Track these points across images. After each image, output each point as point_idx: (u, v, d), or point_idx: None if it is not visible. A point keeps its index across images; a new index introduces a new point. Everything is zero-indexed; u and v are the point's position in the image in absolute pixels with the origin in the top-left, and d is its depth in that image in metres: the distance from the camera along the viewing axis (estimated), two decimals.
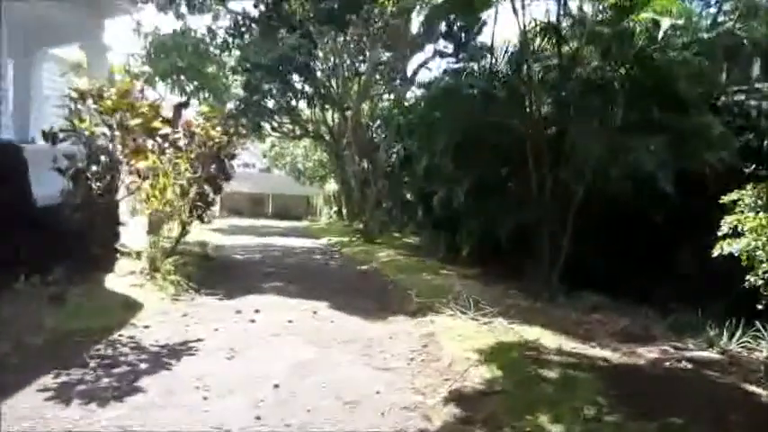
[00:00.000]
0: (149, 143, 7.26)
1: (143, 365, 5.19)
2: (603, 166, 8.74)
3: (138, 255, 9.66)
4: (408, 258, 13.79)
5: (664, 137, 8.55)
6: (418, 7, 16.54)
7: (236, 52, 21.07)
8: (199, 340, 6.12)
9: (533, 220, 9.65)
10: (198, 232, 18.73)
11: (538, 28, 10.52)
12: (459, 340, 6.45)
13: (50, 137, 6.62)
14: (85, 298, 7.18)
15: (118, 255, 9.57)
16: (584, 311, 8.18)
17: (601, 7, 10.22)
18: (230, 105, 23.12)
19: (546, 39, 10.88)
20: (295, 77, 22.59)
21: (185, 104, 15.60)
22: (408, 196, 18.41)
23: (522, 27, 10.01)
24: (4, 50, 8.47)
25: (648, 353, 6.09)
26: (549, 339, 6.51)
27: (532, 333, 6.72)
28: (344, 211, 29.54)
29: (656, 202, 8.97)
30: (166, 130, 7.13)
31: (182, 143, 9.24)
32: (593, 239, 9.61)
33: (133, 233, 10.37)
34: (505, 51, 11.49)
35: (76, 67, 10.80)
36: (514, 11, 10.35)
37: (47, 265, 7.26)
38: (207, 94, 20.84)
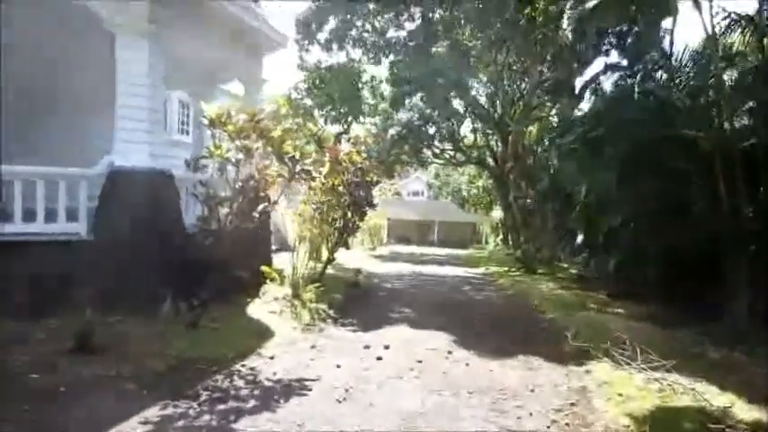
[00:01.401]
0: (279, 168, 7.18)
1: (249, 404, 4.85)
2: None
3: (283, 281, 9.75)
4: (570, 292, 12.28)
5: None
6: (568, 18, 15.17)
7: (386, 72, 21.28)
8: (316, 378, 5.69)
9: (724, 251, 7.82)
10: (358, 259, 19.08)
11: (731, 23, 8.76)
12: (619, 400, 5.20)
13: (191, 164, 6.82)
14: (221, 323, 7.25)
15: (267, 280, 9.74)
16: None
17: None
18: (392, 131, 23.40)
19: (742, 35, 9.01)
20: (453, 97, 22.09)
21: (344, 133, 16.07)
22: (574, 223, 16.69)
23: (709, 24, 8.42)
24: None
25: None
26: (744, 409, 4.96)
27: (721, 398, 5.19)
28: (509, 239, 28.17)
29: None
30: (297, 154, 6.98)
31: (323, 169, 9.22)
32: None
33: (297, 258, 10.46)
34: (685, 53, 9.71)
35: (240, 100, 11.57)
36: (697, 5, 8.75)
37: (193, 288, 7.49)
38: (361, 122, 21.28)
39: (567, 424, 4.77)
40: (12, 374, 5.13)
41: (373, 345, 7.16)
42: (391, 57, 20.79)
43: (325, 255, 11.53)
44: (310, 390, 5.33)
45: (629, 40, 19.95)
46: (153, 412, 4.52)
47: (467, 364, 6.51)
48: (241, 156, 6.67)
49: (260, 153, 6.73)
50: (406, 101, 20.41)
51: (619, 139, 9.60)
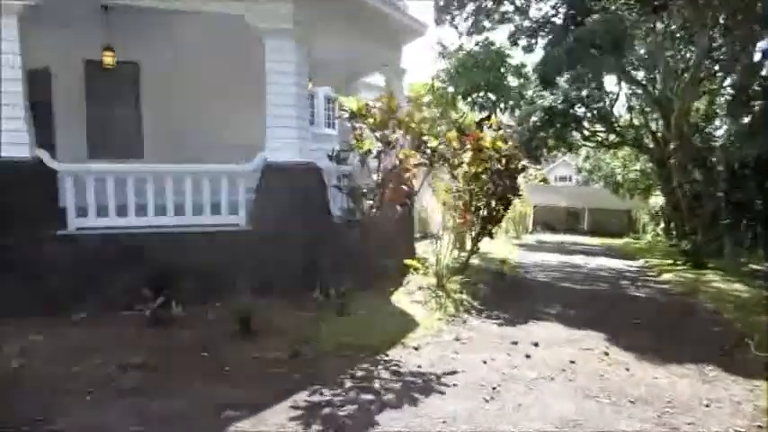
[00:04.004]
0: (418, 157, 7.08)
1: (391, 396, 4.82)
2: None
3: (427, 270, 9.69)
4: (754, 291, 10.74)
5: None
6: None
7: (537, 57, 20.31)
8: (462, 372, 5.55)
9: None
10: (502, 248, 18.57)
11: None
12: None
13: (334, 157, 6.99)
14: (367, 311, 7.38)
15: (411, 269, 9.77)
16: None
17: None
18: (535, 116, 22.32)
19: None
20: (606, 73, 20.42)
21: (487, 119, 15.58)
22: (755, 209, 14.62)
23: None
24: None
25: None
26: None
27: None
28: (672, 227, 25.55)
29: None
30: (435, 143, 6.83)
31: (466, 156, 9.00)
32: None
33: (441, 247, 10.40)
34: None
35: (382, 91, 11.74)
36: None
37: (340, 277, 7.73)
38: (505, 107, 20.43)
39: None
40: (186, 351, 5.68)
41: (520, 341, 6.82)
42: (542, 42, 19.83)
43: (468, 244, 11.30)
44: (455, 385, 5.17)
45: None
46: (302, 397, 4.68)
47: (627, 369, 5.91)
48: (381, 146, 6.69)
49: (400, 143, 6.70)
50: (557, 80, 19.18)
51: None
